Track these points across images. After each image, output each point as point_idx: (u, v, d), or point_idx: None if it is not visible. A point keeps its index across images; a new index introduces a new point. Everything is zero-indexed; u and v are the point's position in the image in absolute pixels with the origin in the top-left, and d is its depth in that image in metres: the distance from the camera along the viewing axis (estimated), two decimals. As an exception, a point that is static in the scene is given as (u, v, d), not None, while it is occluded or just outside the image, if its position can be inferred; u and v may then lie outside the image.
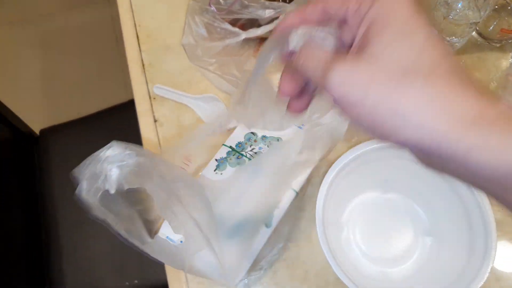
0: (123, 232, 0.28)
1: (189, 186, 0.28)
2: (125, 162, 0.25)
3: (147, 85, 0.50)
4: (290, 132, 0.40)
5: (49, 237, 0.72)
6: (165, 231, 0.36)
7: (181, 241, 0.33)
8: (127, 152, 0.25)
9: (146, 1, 0.55)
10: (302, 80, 0.24)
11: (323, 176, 0.43)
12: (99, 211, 0.26)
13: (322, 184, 0.38)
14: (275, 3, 0.41)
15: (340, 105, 0.20)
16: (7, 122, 0.74)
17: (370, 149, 0.40)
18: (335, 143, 0.40)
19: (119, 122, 0.79)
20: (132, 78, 0.51)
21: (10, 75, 1.33)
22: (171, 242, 0.34)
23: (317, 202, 0.37)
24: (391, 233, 0.43)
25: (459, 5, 0.45)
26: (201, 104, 0.47)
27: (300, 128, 0.41)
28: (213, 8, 0.40)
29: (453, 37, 0.48)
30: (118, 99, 1.28)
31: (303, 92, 0.25)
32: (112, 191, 0.25)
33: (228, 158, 0.40)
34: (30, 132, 0.81)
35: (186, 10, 0.53)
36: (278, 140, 0.41)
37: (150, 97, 0.49)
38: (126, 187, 0.25)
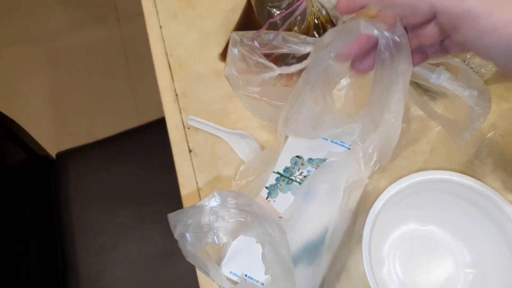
0: (210, 276, 0.28)
1: (276, 226, 0.29)
2: (228, 213, 0.25)
3: (181, 115, 0.50)
4: (338, 152, 0.41)
5: (66, 264, 0.70)
6: (228, 266, 0.36)
7: (262, 283, 0.33)
8: (230, 201, 0.25)
9: (177, 31, 0.55)
10: (368, 43, 0.25)
11: (362, 209, 0.43)
12: (195, 260, 0.26)
13: (366, 222, 0.38)
14: (316, 39, 0.42)
15: (475, 33, 0.17)
16: (25, 145, 0.74)
17: (411, 183, 0.41)
18: (382, 163, 0.40)
19: (137, 146, 0.78)
20: (164, 107, 0.51)
21: (20, 95, 1.32)
22: (256, 283, 0.34)
23: (363, 240, 0.37)
24: (432, 266, 0.43)
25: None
26: (236, 138, 0.47)
27: (348, 148, 0.41)
28: (255, 43, 0.41)
29: (482, 69, 0.49)
30: (128, 120, 1.28)
31: (368, 53, 0.26)
32: (221, 243, 0.25)
33: (278, 184, 0.40)
34: (46, 156, 0.80)
35: (217, 39, 0.54)
36: (325, 161, 0.41)
37: (184, 127, 0.49)
38: (232, 239, 0.26)
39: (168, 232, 0.74)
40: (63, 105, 1.30)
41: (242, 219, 0.26)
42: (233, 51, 0.41)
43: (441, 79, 0.33)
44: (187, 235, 0.26)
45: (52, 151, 0.82)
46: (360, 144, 0.36)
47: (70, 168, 0.76)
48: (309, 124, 0.35)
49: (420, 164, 0.47)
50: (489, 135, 0.48)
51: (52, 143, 1.21)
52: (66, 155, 0.79)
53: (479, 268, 0.41)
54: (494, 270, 0.40)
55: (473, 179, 0.41)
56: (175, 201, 0.71)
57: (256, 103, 0.40)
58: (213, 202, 0.27)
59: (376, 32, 0.24)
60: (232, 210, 0.26)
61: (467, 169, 0.46)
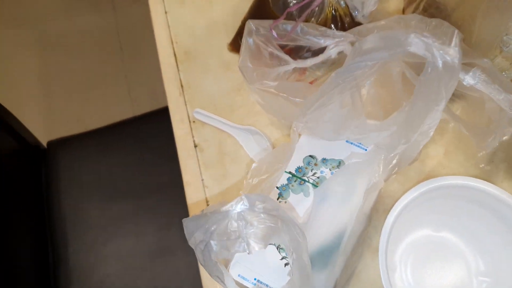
0: (225, 284, 0.26)
1: (300, 232, 0.26)
2: (257, 218, 0.23)
3: (186, 107, 0.47)
4: (358, 154, 0.39)
5: (57, 258, 0.67)
6: (236, 269, 0.34)
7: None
8: (258, 205, 0.23)
9: (183, 17, 0.52)
10: None
11: (373, 212, 0.42)
12: (213, 269, 0.24)
13: (384, 227, 0.36)
14: (337, 32, 0.39)
15: None
16: (15, 133, 0.70)
17: (429, 189, 0.39)
18: (401, 168, 0.39)
19: (133, 136, 0.75)
20: (169, 99, 0.48)
21: (8, 79, 1.26)
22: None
23: (380, 245, 0.36)
24: (444, 273, 0.42)
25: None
26: (245, 134, 0.45)
27: (365, 149, 0.39)
28: (274, 33, 0.38)
29: (503, 73, 0.47)
30: (121, 108, 1.24)
31: None
32: (252, 252, 0.23)
33: (290, 185, 0.38)
34: (37, 145, 0.76)
35: (226, 28, 0.51)
36: (339, 162, 0.39)
37: (189, 120, 0.47)
38: (263, 247, 0.23)
39: (164, 228, 0.72)
40: (54, 92, 1.25)
41: (272, 225, 0.23)
42: (248, 41, 0.39)
43: (476, 81, 0.31)
44: (212, 243, 0.23)
45: (41, 139, 0.78)
46: (386, 153, 0.34)
47: (61, 158, 0.73)
48: (331, 127, 0.33)
49: (433, 167, 0.45)
50: (504, 139, 0.47)
51: (41, 130, 1.16)
52: (58, 144, 0.75)
53: (494, 277, 0.40)
54: (509, 279, 0.39)
55: (491, 184, 0.39)
56: (173, 196, 0.69)
57: (271, 98, 0.38)
58: (240, 206, 0.24)
59: (425, 53, 0.22)
60: (261, 215, 0.24)
61: (482, 174, 0.45)
